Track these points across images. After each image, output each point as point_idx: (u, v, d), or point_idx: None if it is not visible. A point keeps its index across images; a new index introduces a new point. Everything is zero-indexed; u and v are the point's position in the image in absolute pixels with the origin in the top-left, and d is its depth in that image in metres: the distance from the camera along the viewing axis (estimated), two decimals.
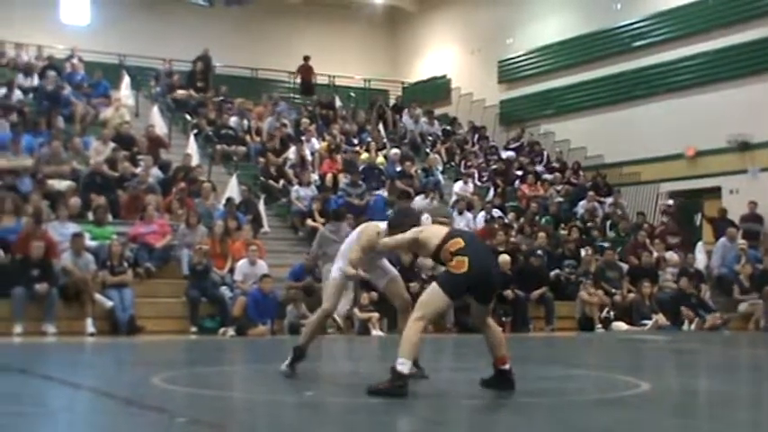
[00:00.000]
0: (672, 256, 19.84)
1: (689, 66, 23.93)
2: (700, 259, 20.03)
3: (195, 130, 21.87)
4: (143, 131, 20.72)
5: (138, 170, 18.51)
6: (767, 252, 20.06)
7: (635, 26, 25.50)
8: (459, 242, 7.14)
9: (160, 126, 21.68)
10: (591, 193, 22.52)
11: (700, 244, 20.98)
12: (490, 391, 7.25)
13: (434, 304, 7.17)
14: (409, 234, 7.53)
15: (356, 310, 16.07)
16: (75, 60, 24.10)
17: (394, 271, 8.58)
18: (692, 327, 17.91)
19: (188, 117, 23.00)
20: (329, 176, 20.53)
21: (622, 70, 25.56)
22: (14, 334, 13.96)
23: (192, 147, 20.63)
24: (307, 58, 27.89)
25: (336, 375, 9.43)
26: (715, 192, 23.09)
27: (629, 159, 24.64)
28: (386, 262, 8.55)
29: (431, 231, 7.46)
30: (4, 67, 23.52)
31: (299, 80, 28.45)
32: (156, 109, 22.64)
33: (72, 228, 15.63)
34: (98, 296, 14.79)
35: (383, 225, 8.16)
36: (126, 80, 23.73)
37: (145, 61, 26.38)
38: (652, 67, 24.79)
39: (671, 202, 22.97)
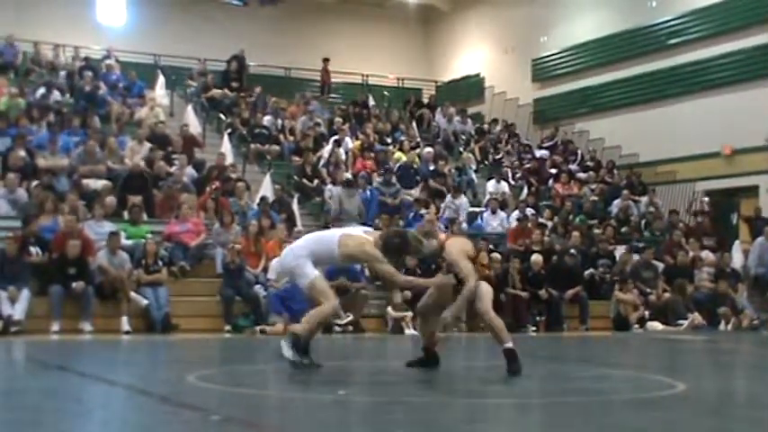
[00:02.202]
0: (708, 255, 19.66)
1: (725, 63, 23.70)
2: (736, 259, 19.83)
3: (229, 130, 21.98)
4: (178, 131, 20.85)
5: (173, 169, 18.63)
6: None
7: (670, 23, 25.29)
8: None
9: (194, 125, 21.82)
10: (625, 191, 22.35)
11: (736, 243, 20.77)
12: (524, 391, 7.21)
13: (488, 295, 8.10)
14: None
15: (390, 309, 16.09)
16: (110, 61, 24.33)
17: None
18: (729, 327, 17.74)
19: (222, 116, 23.12)
20: (362, 174, 20.55)
21: (657, 68, 25.37)
22: (52, 331, 14.11)
23: (226, 146, 20.73)
24: (326, 61, 27.86)
25: (370, 374, 9.43)
26: (752, 191, 22.85)
27: (664, 158, 24.44)
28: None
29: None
30: (42, 68, 23.76)
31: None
32: (190, 108, 22.78)
33: (108, 227, 15.77)
34: (133, 294, 14.90)
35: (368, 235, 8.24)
36: (161, 80, 23.92)
37: (180, 61, 26.57)
38: (688, 65, 24.58)
39: (706, 199, 22.76)
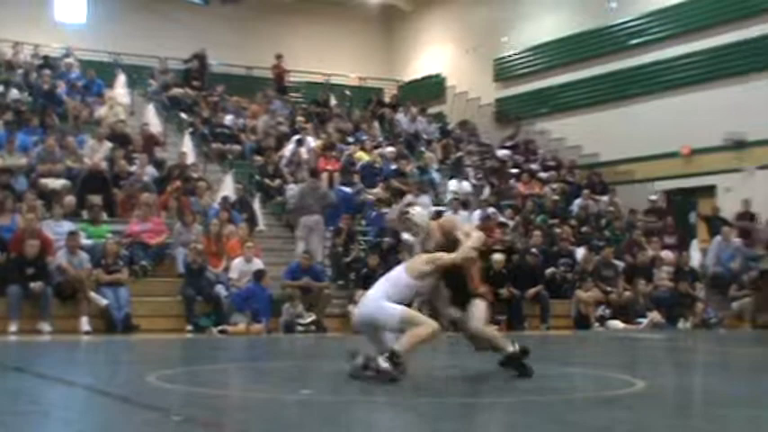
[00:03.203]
0: (667, 254, 19.86)
1: (684, 64, 23.94)
2: (694, 257, 20.05)
3: (190, 129, 21.87)
4: (138, 130, 20.69)
5: (134, 168, 18.50)
6: (766, 249, 20.01)
7: (631, 24, 25.50)
8: None
9: (155, 124, 21.67)
10: (586, 191, 22.53)
11: (694, 242, 21.01)
12: (486, 390, 7.23)
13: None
14: None
15: (352, 308, 16.07)
16: (70, 59, 24.08)
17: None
18: (688, 325, 17.93)
19: (183, 115, 22.97)
20: (324, 175, 20.52)
21: (618, 68, 25.56)
22: (10, 332, 13.94)
23: (188, 145, 20.62)
24: (279, 57, 27.69)
25: (333, 374, 9.41)
26: (710, 190, 23.11)
27: (623, 158, 24.63)
28: None
29: None
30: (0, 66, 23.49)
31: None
32: (151, 107, 22.61)
33: (67, 226, 15.62)
34: (93, 294, 14.77)
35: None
36: (121, 78, 23.70)
37: (140, 60, 26.35)
38: (647, 66, 24.80)
39: (654, 197, 22.98)
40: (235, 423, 6.25)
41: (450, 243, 8.35)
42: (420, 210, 8.81)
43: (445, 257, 8.15)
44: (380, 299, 7.96)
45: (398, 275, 8.07)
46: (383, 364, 7.72)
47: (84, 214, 16.70)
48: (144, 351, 12.81)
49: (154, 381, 7.81)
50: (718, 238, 20.28)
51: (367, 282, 16.40)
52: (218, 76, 26.45)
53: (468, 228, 8.65)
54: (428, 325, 7.93)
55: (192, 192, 18.27)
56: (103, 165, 18.21)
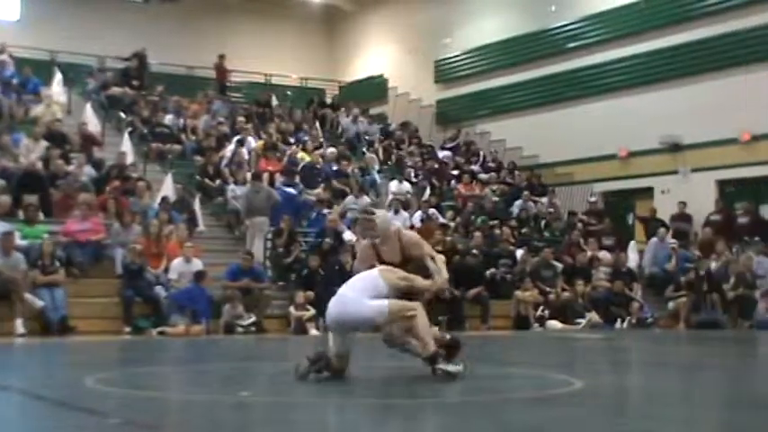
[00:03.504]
0: (605, 255, 20.10)
1: (622, 67, 24.28)
2: (632, 258, 20.32)
3: (130, 128, 21.62)
4: (76, 129, 20.40)
5: (71, 168, 18.24)
6: (700, 250, 20.36)
7: (569, 28, 25.80)
8: None
9: (93, 124, 21.40)
10: (525, 192, 22.73)
11: (632, 243, 21.31)
12: (425, 391, 7.26)
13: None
14: None
15: (292, 309, 16.07)
16: (4, 56, 23.64)
17: None
18: (625, 325, 18.17)
19: (122, 115, 22.72)
20: (265, 175, 20.42)
21: (557, 71, 25.85)
22: None
23: (127, 145, 20.38)
24: (221, 57, 27.53)
25: (273, 375, 9.38)
26: (647, 192, 23.47)
27: (563, 160, 24.92)
28: None
29: None
30: None
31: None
32: (89, 106, 22.31)
33: (2, 226, 15.34)
34: (28, 296, 14.52)
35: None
36: (58, 77, 23.34)
37: (78, 58, 26.00)
38: (586, 69, 25.11)
39: (593, 198, 23.29)
40: (173, 426, 6.20)
41: (406, 259, 8.37)
42: (384, 213, 8.86)
43: (420, 283, 8.26)
44: (363, 298, 7.95)
45: (374, 281, 8.08)
46: (448, 368, 7.86)
47: (20, 214, 16.42)
48: (81, 353, 12.62)
49: (91, 384, 7.71)
50: (655, 239, 20.59)
51: (308, 282, 16.44)
52: (159, 75, 26.20)
53: (429, 248, 8.60)
54: (415, 308, 8.02)
55: (131, 192, 18.08)
56: (39, 164, 17.93)
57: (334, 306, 8.03)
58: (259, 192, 18.10)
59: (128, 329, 15.07)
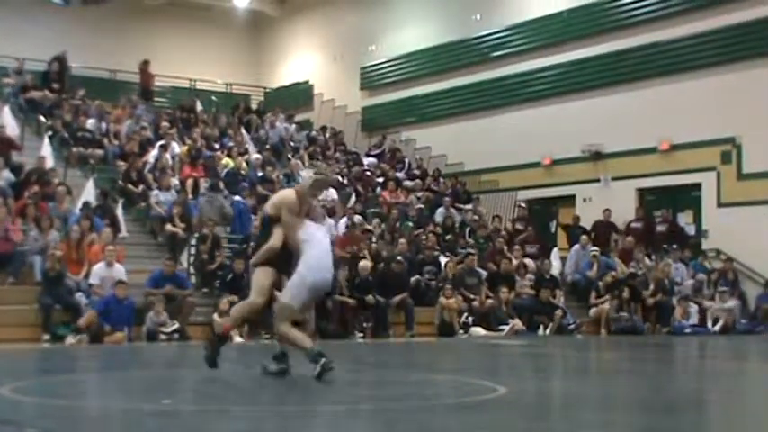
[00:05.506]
0: (529, 262, 20.31)
1: (545, 76, 24.62)
2: (555, 265, 20.58)
3: (50, 132, 21.23)
4: None
5: None
6: (620, 257, 20.69)
7: (494, 36, 26.07)
8: None
9: (12, 127, 20.96)
10: (447, 199, 22.88)
11: (555, 250, 21.59)
12: (350, 397, 7.25)
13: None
14: None
15: (216, 316, 15.90)
16: None
17: None
18: (548, 331, 18.38)
19: (42, 119, 22.30)
20: (190, 181, 20.23)
21: (482, 79, 26.10)
22: None
23: (47, 149, 20.02)
24: (146, 63, 27.19)
25: (196, 383, 9.28)
26: (570, 200, 23.81)
27: (487, 167, 25.15)
28: None
29: None
30: None
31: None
32: (7, 109, 21.83)
33: None
34: None
35: None
36: None
37: None
38: (510, 77, 25.40)
39: (523, 204, 23.58)
40: None
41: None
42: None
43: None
44: None
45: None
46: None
47: None
48: None
49: (7, 393, 7.53)
50: (577, 246, 20.89)
51: (232, 287, 16.25)
52: (80, 78, 25.77)
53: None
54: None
55: (51, 197, 17.75)
56: None
57: (323, 273, 8.50)
58: (212, 202, 18.07)
59: (46, 337, 14.77)
